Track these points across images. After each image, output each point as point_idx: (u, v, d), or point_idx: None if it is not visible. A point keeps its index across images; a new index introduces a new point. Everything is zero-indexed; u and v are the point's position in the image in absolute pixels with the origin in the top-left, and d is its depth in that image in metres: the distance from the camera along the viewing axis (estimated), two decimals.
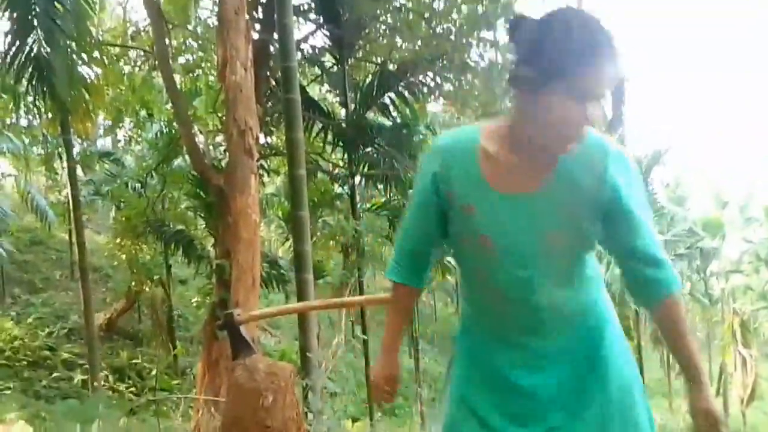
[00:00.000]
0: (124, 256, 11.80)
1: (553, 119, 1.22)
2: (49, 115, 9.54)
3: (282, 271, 10.95)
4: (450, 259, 15.85)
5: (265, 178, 10.93)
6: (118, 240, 11.64)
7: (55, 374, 10.35)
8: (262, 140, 9.06)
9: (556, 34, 1.19)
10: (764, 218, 22.73)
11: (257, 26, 7.88)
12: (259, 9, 7.96)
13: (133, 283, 11.93)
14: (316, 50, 9.61)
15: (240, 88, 5.80)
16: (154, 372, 10.73)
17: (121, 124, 11.84)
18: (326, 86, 10.98)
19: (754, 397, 17.12)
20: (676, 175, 23.20)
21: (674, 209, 20.93)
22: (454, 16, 9.40)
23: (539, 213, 1.32)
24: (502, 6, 9.49)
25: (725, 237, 22.84)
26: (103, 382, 9.86)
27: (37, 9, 7.24)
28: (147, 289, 12.12)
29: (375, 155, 10.28)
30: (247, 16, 6.08)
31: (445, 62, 9.46)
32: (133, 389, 10.52)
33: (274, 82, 8.32)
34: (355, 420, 9.69)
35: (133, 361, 11.44)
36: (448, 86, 10.21)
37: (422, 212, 1.44)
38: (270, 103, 8.63)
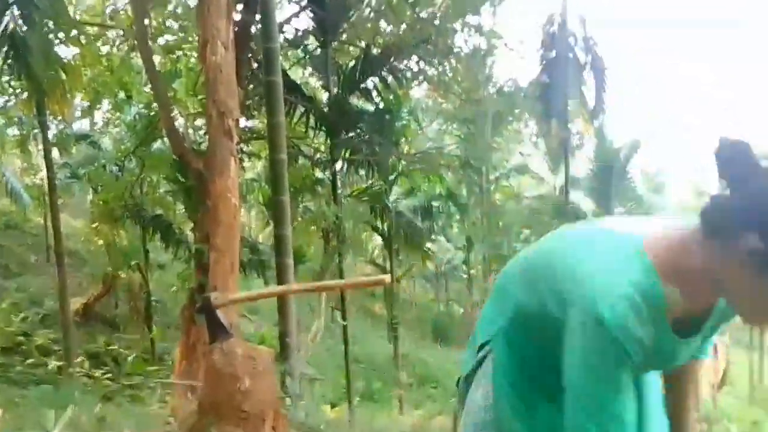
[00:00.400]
0: (101, 241, 11.62)
1: None
2: (25, 95, 9.31)
3: (262, 256, 10.90)
4: (429, 246, 15.95)
5: (246, 163, 10.82)
6: (94, 224, 11.46)
7: (29, 360, 10.18)
8: (243, 124, 8.96)
9: None
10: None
11: (239, 7, 7.75)
12: None
13: (110, 268, 11.77)
14: (299, 32, 9.49)
15: (220, 69, 5.70)
16: (131, 358, 10.62)
17: (98, 106, 11.61)
18: (309, 69, 10.88)
19: (725, 381, 17.52)
20: (655, 163, 23.55)
21: (652, 198, 21.25)
22: (439, 0, 9.35)
23: (696, 346, 1.29)
24: None
25: None
26: (78, 368, 9.73)
27: None
28: (123, 274, 11.97)
29: (357, 140, 10.23)
30: None
31: (429, 47, 9.41)
32: (109, 375, 10.41)
33: (255, 65, 8.21)
34: (333, 405, 9.72)
35: (110, 347, 11.30)
36: (431, 71, 10.17)
37: (630, 386, 1.16)
38: (251, 86, 8.52)
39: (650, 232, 1.16)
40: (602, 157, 17.19)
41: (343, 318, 10.43)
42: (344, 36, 9.93)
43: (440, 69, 9.86)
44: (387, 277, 2.34)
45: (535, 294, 1.26)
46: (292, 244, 6.34)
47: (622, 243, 1.16)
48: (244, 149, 9.54)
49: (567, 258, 1.20)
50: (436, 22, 9.06)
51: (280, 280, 5.96)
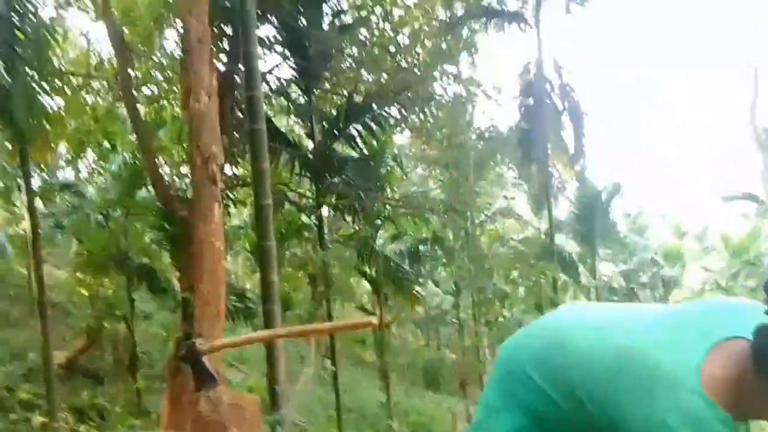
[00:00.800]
0: (85, 292, 11.48)
1: None
2: (9, 146, 9.37)
3: (249, 304, 10.81)
4: (419, 289, 15.90)
5: (232, 210, 10.86)
6: (78, 274, 11.34)
7: (12, 416, 9.89)
8: (229, 171, 9.06)
9: None
10: (722, 247, 23.39)
11: (224, 57, 7.96)
12: (225, 40, 8.05)
13: (94, 320, 11.59)
14: (283, 82, 9.73)
15: (204, 116, 5.82)
16: (116, 410, 10.35)
17: (83, 155, 11.67)
18: (293, 117, 11.08)
19: None
20: (636, 205, 23.84)
21: (635, 239, 21.51)
22: (418, 50, 9.67)
23: None
24: (464, 41, 9.83)
25: (685, 266, 23.42)
26: (63, 423, 9.47)
27: None
28: (107, 325, 11.78)
29: (342, 186, 10.34)
30: (212, 47, 6.14)
31: (409, 95, 9.67)
32: (94, 430, 10.13)
33: (240, 113, 8.37)
34: None
35: (95, 401, 11.02)
36: (413, 118, 10.41)
37: None
38: (236, 134, 8.66)
39: (708, 369, 1.16)
40: (584, 199, 17.49)
41: (333, 365, 10.30)
42: (327, 84, 10.18)
43: (422, 116, 10.11)
44: (374, 319, 2.38)
45: (569, 400, 1.26)
46: (279, 291, 6.33)
47: (685, 384, 1.16)
48: (230, 196, 9.61)
49: (621, 393, 1.19)
50: (416, 70, 9.34)
51: (267, 327, 5.92)
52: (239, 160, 9.34)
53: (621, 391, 1.19)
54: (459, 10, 9.51)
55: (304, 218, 11.14)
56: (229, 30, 7.86)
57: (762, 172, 20.86)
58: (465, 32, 9.82)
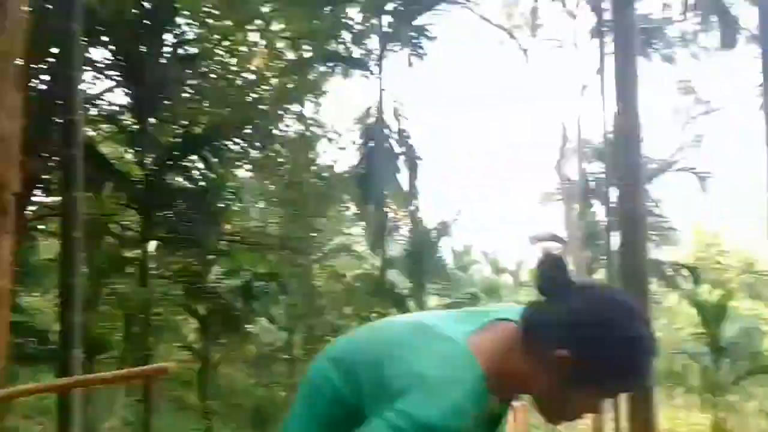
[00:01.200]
0: None
1: (573, 408, 1.18)
2: None
3: (53, 347, 9.68)
4: (250, 327, 15.45)
5: (44, 242, 9.75)
6: None
7: None
8: (43, 200, 8.16)
9: (618, 351, 1.10)
10: (532, 282, 25.89)
11: (46, 77, 7.23)
12: (48, 61, 7.33)
13: None
14: (115, 107, 9.08)
15: (1, 140, 5.19)
16: None
17: None
18: (124, 146, 10.35)
19: None
20: (462, 243, 25.65)
21: (460, 275, 23.12)
22: (264, 87, 9.61)
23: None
24: (310, 83, 9.99)
25: (502, 300, 25.60)
26: None
27: None
28: None
29: (174, 219, 9.82)
30: (25, 66, 5.53)
31: (252, 130, 9.54)
32: None
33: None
34: None
35: None
36: (255, 153, 10.27)
37: None
38: (54, 160, 7.85)
39: (476, 337, 1.19)
40: (416, 238, 18.44)
41: (148, 411, 9.50)
42: (163, 113, 9.69)
43: (263, 152, 10.01)
44: (168, 365, 2.21)
45: (353, 384, 1.21)
46: (85, 331, 5.79)
47: (453, 347, 1.17)
48: (39, 227, 8.62)
49: (392, 355, 1.18)
50: (260, 107, 9.26)
51: (67, 373, 5.36)
52: (55, 188, 8.45)
53: (393, 360, 1.18)
54: (306, 52, 9.65)
55: (128, 252, 10.33)
56: (54, 50, 7.16)
57: (564, 218, 23.52)
58: (311, 74, 9.96)
